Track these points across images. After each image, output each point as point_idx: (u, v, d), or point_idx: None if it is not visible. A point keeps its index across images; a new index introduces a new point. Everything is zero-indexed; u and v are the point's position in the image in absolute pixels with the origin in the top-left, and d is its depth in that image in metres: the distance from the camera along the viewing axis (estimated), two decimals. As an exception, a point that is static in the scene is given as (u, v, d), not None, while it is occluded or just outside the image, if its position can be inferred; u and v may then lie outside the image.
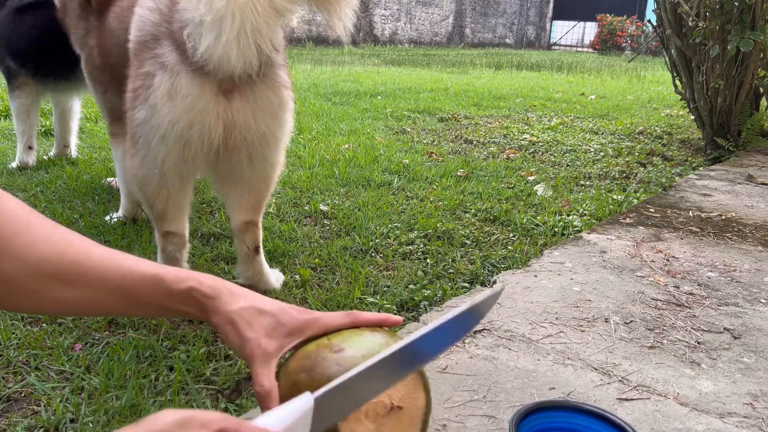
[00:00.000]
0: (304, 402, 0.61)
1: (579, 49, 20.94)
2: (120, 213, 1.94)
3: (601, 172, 2.84)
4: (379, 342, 0.75)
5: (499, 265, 1.67)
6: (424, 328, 0.73)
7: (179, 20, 1.19)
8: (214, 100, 1.24)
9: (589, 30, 20.98)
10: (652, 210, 2.14)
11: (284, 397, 0.71)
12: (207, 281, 0.75)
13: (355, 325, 0.79)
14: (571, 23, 21.68)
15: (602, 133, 3.88)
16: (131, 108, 1.28)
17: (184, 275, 0.75)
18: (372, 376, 0.68)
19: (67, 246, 0.71)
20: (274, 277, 1.54)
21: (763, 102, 3.56)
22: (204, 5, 1.11)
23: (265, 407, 0.71)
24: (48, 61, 2.34)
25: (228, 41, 1.13)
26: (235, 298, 0.75)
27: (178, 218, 1.38)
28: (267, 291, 1.48)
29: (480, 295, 0.78)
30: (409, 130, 3.77)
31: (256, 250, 1.48)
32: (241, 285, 0.77)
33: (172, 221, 1.38)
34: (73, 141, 2.76)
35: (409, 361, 0.72)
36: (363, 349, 0.74)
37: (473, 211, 2.14)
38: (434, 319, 1.26)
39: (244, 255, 1.47)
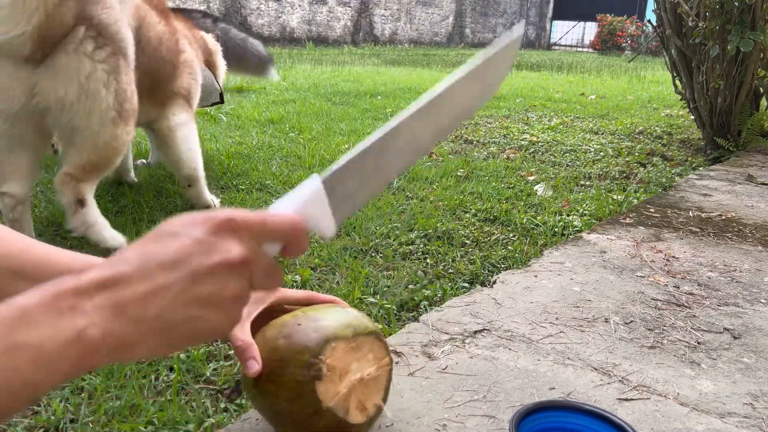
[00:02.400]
0: (311, 183, 0.56)
1: (579, 49, 20.94)
2: None
3: (601, 172, 2.84)
4: (352, 315, 0.83)
5: (499, 265, 1.67)
6: (435, 89, 0.61)
7: None
8: (14, 70, 1.47)
9: (589, 30, 20.98)
10: (652, 210, 2.14)
11: (264, 362, 0.77)
12: None
13: (312, 301, 0.86)
14: (571, 23, 21.67)
15: (602, 133, 3.88)
16: None
17: None
18: (380, 151, 0.59)
19: (26, 245, 0.71)
20: (111, 235, 1.68)
21: (763, 102, 3.56)
22: None
23: (246, 358, 0.76)
24: None
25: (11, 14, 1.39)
26: None
27: (10, 180, 1.59)
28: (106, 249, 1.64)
29: (493, 46, 0.64)
30: (409, 130, 3.77)
31: (80, 203, 1.64)
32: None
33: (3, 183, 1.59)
34: None
35: (421, 126, 0.62)
36: (337, 320, 0.80)
37: (473, 211, 2.14)
38: (434, 318, 1.26)
39: (67, 206, 1.64)
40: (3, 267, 0.68)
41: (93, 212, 1.67)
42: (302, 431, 0.78)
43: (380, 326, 1.29)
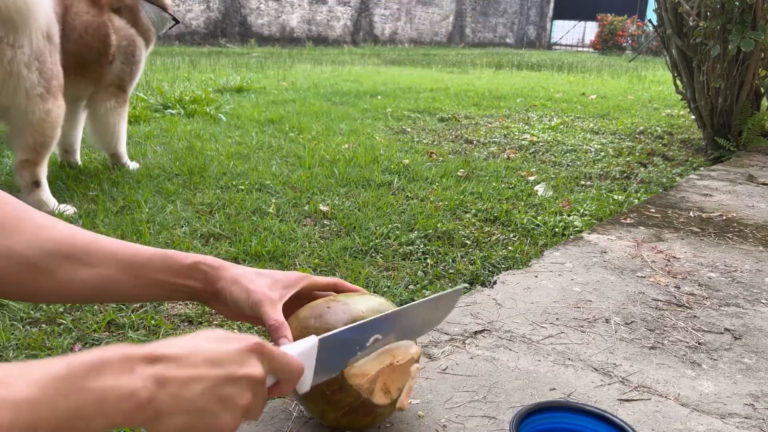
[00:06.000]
0: (310, 340, 0.71)
1: (579, 48, 20.93)
2: None
3: (601, 172, 2.84)
4: (378, 302, 0.89)
5: (499, 266, 1.67)
6: (414, 303, 0.86)
7: None
8: None
9: (589, 30, 20.97)
10: (653, 210, 2.14)
11: (295, 339, 0.82)
12: (211, 257, 0.87)
13: (338, 286, 0.94)
14: (572, 23, 21.67)
15: (603, 133, 3.88)
16: None
17: (190, 254, 0.86)
18: (367, 330, 0.79)
19: (74, 230, 0.77)
20: (62, 208, 1.96)
21: (764, 102, 3.56)
22: None
23: (278, 337, 0.82)
24: None
25: None
26: (235, 266, 0.87)
27: None
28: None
29: (447, 291, 0.94)
30: (409, 130, 3.77)
31: (35, 184, 1.95)
32: None
33: None
34: None
35: (401, 327, 0.85)
36: (365, 305, 0.87)
37: (473, 211, 2.14)
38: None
39: (24, 187, 1.95)
40: (55, 251, 0.73)
41: (46, 192, 1.99)
42: (329, 406, 0.83)
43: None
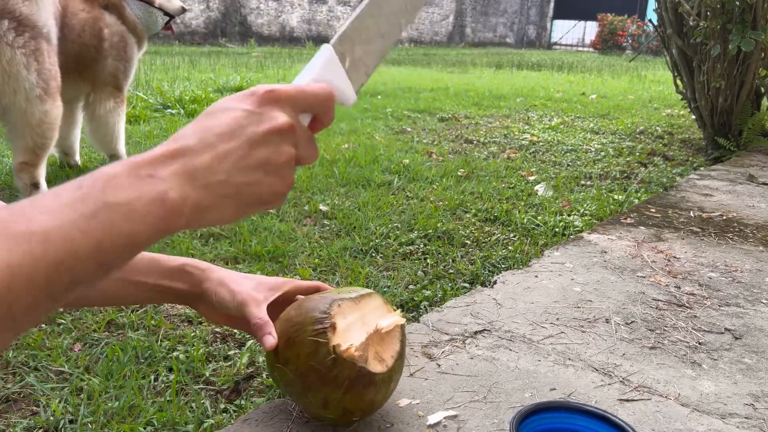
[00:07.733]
0: (322, 53, 0.58)
1: (580, 48, 20.92)
2: None
3: (601, 172, 2.84)
4: (357, 290, 0.91)
5: (499, 266, 1.67)
6: None
7: None
8: None
9: (589, 29, 20.97)
10: (653, 210, 2.14)
11: (281, 335, 0.84)
12: (197, 260, 0.87)
13: (321, 290, 0.95)
14: (572, 23, 21.67)
15: (603, 133, 3.88)
16: None
17: (176, 257, 0.87)
18: (379, 11, 0.61)
19: None
20: None
21: (764, 102, 3.56)
22: None
23: (263, 335, 0.83)
24: None
25: None
26: (221, 269, 0.88)
27: None
28: None
29: None
30: (409, 129, 3.77)
31: (35, 186, 1.95)
32: None
33: None
34: None
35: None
36: (340, 290, 0.90)
37: (473, 211, 2.14)
38: (434, 319, 1.26)
39: (23, 189, 1.96)
40: None
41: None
42: (330, 386, 0.82)
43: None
